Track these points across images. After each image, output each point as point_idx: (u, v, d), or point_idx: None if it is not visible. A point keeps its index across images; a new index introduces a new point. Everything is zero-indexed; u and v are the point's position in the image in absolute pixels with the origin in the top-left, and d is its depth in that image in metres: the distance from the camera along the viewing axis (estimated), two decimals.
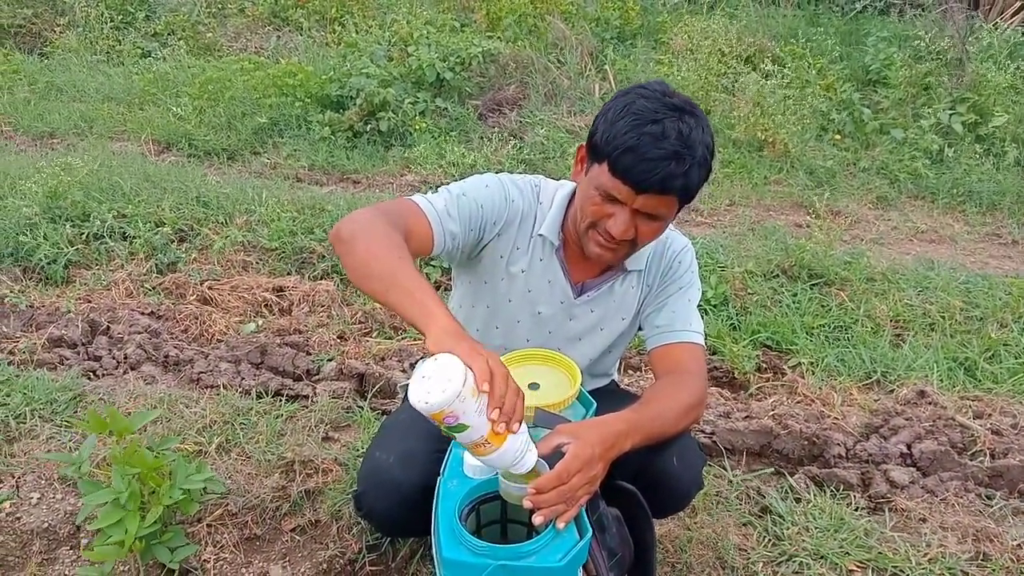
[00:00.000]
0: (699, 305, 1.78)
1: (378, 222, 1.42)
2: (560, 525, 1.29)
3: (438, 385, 1.14)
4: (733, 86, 5.79)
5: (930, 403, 2.74)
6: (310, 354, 3.01)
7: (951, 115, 5.42)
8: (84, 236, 3.71)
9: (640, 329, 1.81)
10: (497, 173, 1.74)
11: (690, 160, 1.45)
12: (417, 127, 5.33)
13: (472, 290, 1.81)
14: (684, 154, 1.45)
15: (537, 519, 1.27)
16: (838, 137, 5.53)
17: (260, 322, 3.24)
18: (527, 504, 1.27)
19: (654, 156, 1.44)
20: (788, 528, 2.14)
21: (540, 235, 1.71)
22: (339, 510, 2.08)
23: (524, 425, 1.25)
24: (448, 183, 1.72)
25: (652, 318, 1.75)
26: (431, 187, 4.61)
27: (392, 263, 1.34)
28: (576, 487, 1.30)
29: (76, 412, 2.49)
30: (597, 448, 1.34)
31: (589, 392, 1.61)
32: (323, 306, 3.35)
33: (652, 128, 1.44)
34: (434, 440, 1.63)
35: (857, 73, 6.47)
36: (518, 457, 1.24)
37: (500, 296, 1.76)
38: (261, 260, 3.71)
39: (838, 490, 2.33)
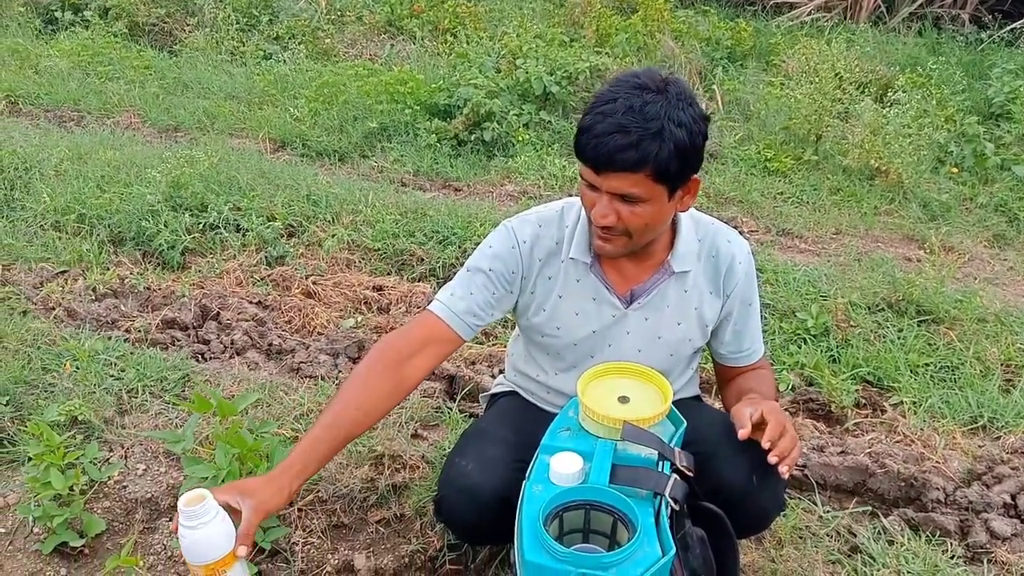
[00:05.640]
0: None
1: (361, 371, 1.63)
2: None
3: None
4: (847, 112, 5.63)
5: None
6: None
7: None
8: (201, 225, 3.90)
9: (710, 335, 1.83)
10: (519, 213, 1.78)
11: (639, 132, 1.40)
12: (520, 138, 5.38)
13: (524, 328, 1.84)
14: (631, 126, 1.40)
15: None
16: (955, 170, 5.29)
17: (359, 319, 3.34)
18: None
19: (598, 131, 1.43)
20: (879, 570, 2.06)
21: (571, 258, 1.70)
22: (424, 506, 2.13)
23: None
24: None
25: (727, 337, 1.81)
26: (531, 198, 4.66)
27: (325, 415, 1.59)
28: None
29: (184, 391, 2.63)
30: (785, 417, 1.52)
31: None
32: (419, 307, 3.42)
33: (604, 107, 1.44)
34: (514, 449, 1.65)
35: (979, 105, 6.19)
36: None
37: (547, 327, 1.76)
38: (364, 259, 3.82)
39: (934, 536, 2.23)
